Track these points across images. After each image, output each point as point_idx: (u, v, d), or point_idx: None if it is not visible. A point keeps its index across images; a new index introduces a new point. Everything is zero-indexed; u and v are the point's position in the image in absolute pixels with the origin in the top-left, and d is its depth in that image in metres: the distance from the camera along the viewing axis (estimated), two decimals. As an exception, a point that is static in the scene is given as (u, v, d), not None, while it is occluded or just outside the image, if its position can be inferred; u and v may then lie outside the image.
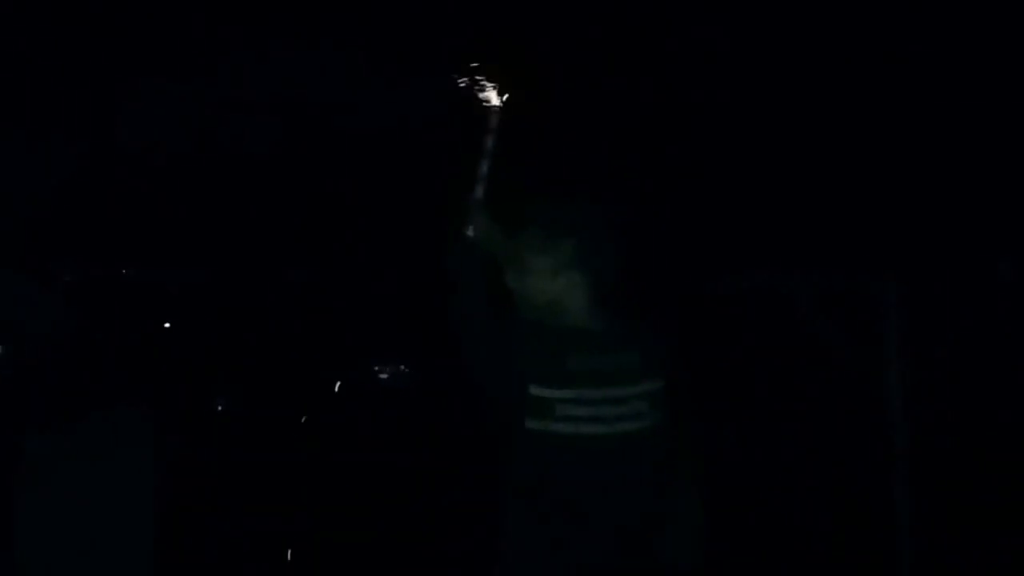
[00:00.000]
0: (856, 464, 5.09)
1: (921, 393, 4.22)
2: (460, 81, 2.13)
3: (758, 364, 6.35)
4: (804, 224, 5.33)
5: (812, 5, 5.16)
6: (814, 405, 6.15)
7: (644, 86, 5.42)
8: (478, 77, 2.14)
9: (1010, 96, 4.93)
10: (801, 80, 5.42)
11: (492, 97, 2.16)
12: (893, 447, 4.26)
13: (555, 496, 1.88)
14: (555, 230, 1.98)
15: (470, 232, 2.07)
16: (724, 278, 4.95)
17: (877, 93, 5.20)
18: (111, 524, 3.60)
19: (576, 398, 1.88)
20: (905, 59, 5.16)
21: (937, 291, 4.18)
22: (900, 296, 4.14)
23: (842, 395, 5.00)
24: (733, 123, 5.44)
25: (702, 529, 2.06)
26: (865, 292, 4.22)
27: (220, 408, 9.61)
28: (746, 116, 5.39)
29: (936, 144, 5.06)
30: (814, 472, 5.98)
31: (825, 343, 4.42)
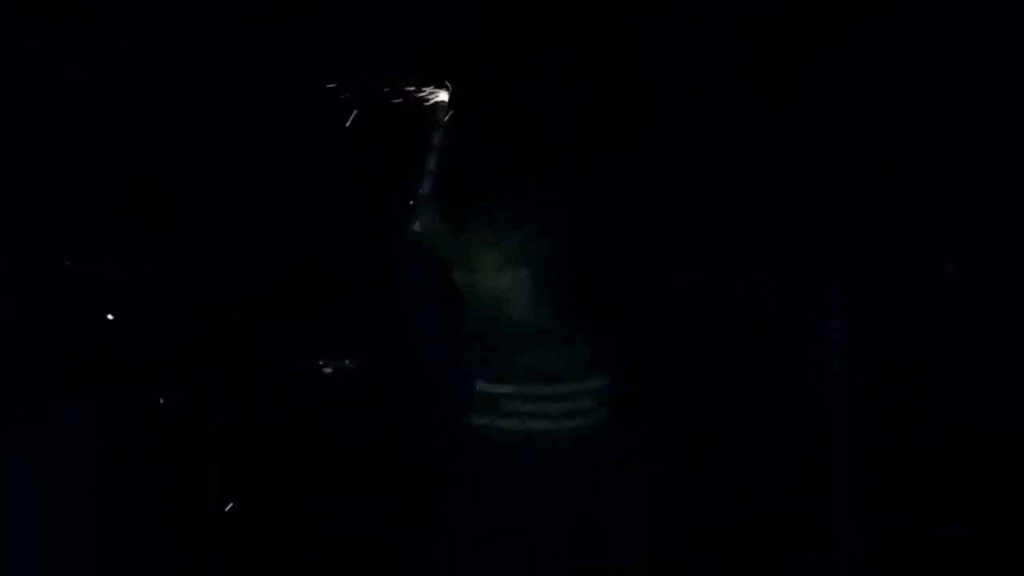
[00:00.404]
0: (799, 457, 5.16)
1: (863, 388, 4.29)
2: (408, 78, 2.11)
3: (704, 361, 6.41)
4: (751, 224, 5.39)
5: (747, 10, 5.22)
6: (759, 400, 6.23)
7: (594, 86, 5.44)
8: (426, 74, 2.12)
9: (952, 99, 5.03)
10: (746, 84, 5.47)
11: (440, 94, 2.14)
12: (835, 440, 4.32)
13: (500, 491, 1.86)
14: (502, 226, 1.96)
15: (417, 228, 2.05)
16: (671, 277, 4.98)
17: (823, 98, 5.28)
18: (48, 520, 3.52)
19: (522, 394, 1.87)
20: (851, 61, 5.24)
21: (881, 289, 4.24)
22: (844, 294, 4.20)
23: (787, 391, 5.06)
24: (684, 126, 5.48)
25: (644, 526, 2.06)
26: (811, 290, 4.27)
27: (162, 402, 9.43)
28: (697, 119, 5.43)
29: (879, 146, 5.14)
30: (758, 466, 6.06)
31: (771, 340, 4.46)
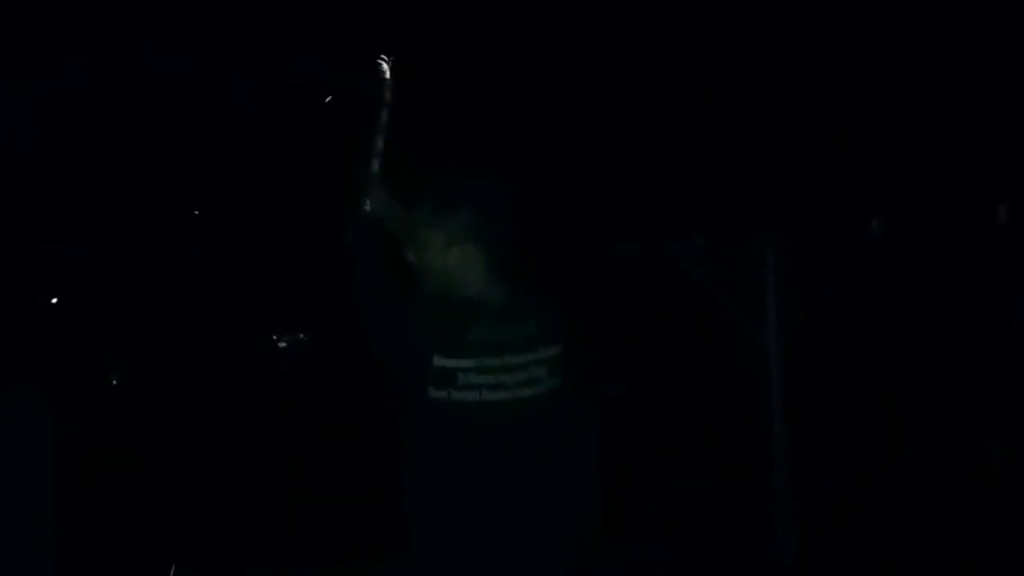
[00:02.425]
0: (738, 409, 5.28)
1: (797, 341, 4.40)
2: (356, 59, 2.08)
3: (649, 324, 6.50)
4: (689, 194, 5.45)
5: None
6: (700, 357, 6.34)
7: (538, 69, 5.42)
8: (374, 55, 2.10)
9: (871, 74, 5.12)
10: (682, 57, 5.50)
11: (387, 73, 2.12)
12: (771, 392, 4.43)
13: (458, 461, 1.88)
14: (448, 205, 1.96)
15: (367, 206, 2.04)
16: (615, 245, 5.02)
17: (757, 65, 5.33)
18: (9, 503, 3.46)
19: (477, 367, 1.88)
20: (781, 33, 5.29)
21: (813, 247, 4.34)
22: (778, 254, 4.29)
23: (726, 346, 5.16)
24: (624, 105, 5.51)
25: (597, 488, 2.09)
26: (747, 250, 4.35)
27: (115, 383, 9.23)
28: (636, 98, 5.46)
29: (807, 112, 5.22)
30: (701, 420, 6.19)
31: (711, 298, 4.54)
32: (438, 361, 1.87)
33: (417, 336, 1.88)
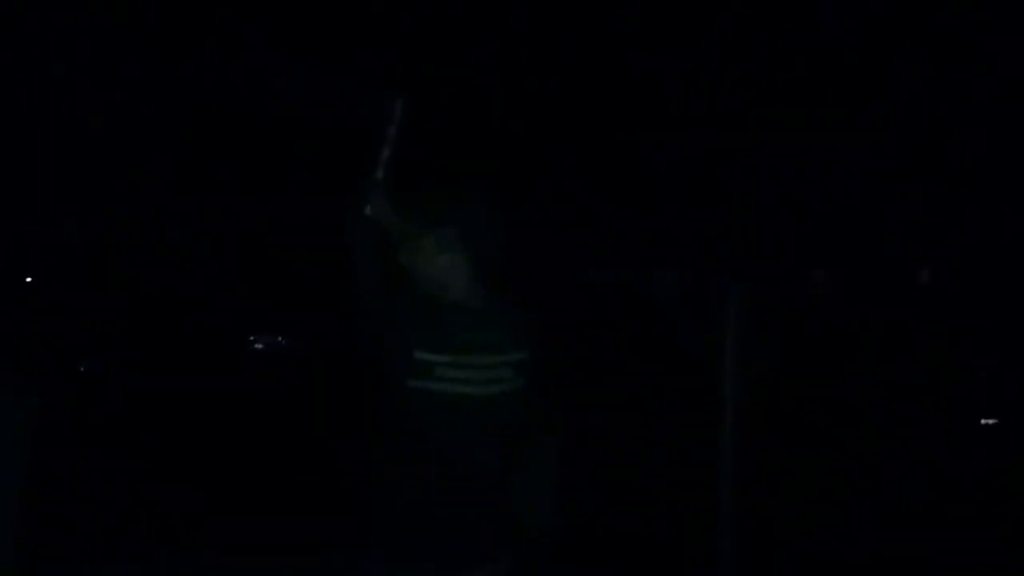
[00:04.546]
0: (691, 434, 5.44)
1: (751, 373, 4.57)
2: (366, 80, 2.24)
3: (615, 345, 6.69)
4: (665, 231, 5.67)
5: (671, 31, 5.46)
6: (660, 381, 6.53)
7: (530, 103, 5.63)
8: (383, 73, 2.27)
9: (837, 127, 5.37)
10: (663, 95, 5.72)
11: (394, 92, 2.29)
12: (724, 421, 4.57)
13: (430, 444, 2.05)
14: (441, 218, 2.15)
15: (369, 212, 2.21)
16: (593, 270, 5.22)
17: (724, 118, 5.57)
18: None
19: (453, 362, 2.05)
20: (746, 82, 5.54)
21: (767, 292, 4.55)
22: (738, 294, 4.50)
23: (685, 374, 5.34)
24: (607, 143, 5.73)
25: (554, 482, 2.27)
26: (711, 290, 4.54)
27: (84, 370, 9.16)
28: (617, 139, 5.69)
29: (765, 173, 5.48)
30: (655, 438, 6.36)
31: (675, 330, 4.71)
32: (418, 354, 2.04)
33: (402, 330, 2.06)
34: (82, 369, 9.07)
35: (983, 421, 6.91)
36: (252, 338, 11.55)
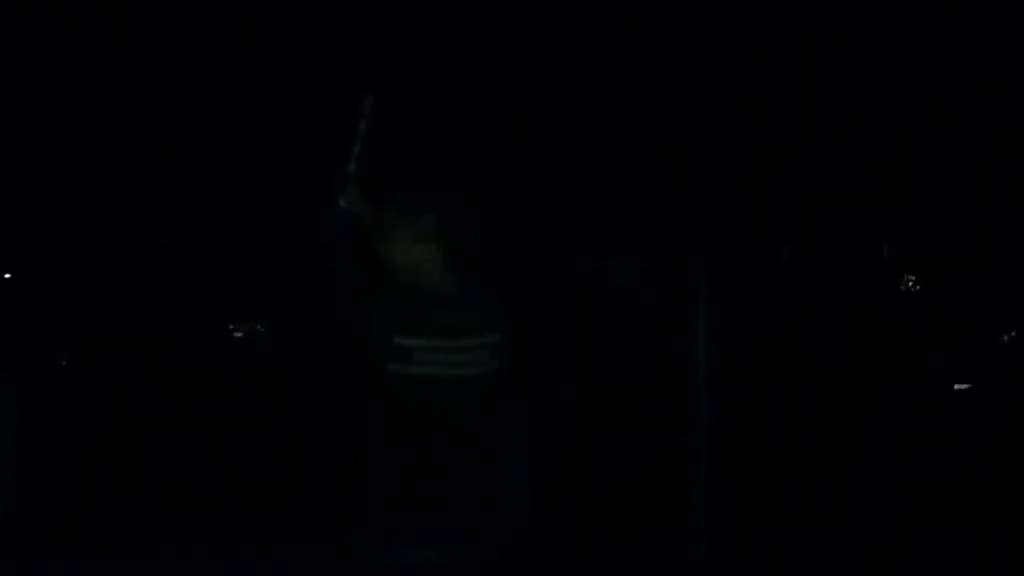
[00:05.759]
0: (664, 418, 5.53)
1: (721, 356, 4.66)
2: (336, 74, 2.28)
3: (588, 328, 6.76)
4: (634, 218, 5.76)
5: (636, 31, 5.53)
6: (632, 367, 6.61)
7: (505, 95, 5.68)
8: (359, 76, 2.31)
9: (802, 114, 5.48)
10: (642, 86, 5.80)
11: (366, 86, 2.33)
12: (696, 405, 4.65)
13: (408, 426, 2.11)
14: (416, 207, 2.20)
15: (343, 203, 2.25)
16: (565, 258, 5.27)
17: (693, 107, 5.66)
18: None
19: (431, 346, 2.11)
20: (716, 72, 5.63)
21: (736, 275, 4.63)
22: (708, 277, 4.58)
23: (657, 361, 5.42)
24: (582, 136, 5.80)
25: (532, 464, 2.33)
26: (681, 274, 4.62)
27: (63, 363, 9.12)
28: (591, 132, 5.76)
29: (734, 158, 5.58)
30: (628, 421, 6.45)
31: (646, 316, 4.78)
32: (397, 340, 2.09)
33: (381, 317, 2.11)
34: (63, 363, 9.04)
35: (956, 386, 7.06)
36: (231, 326, 11.52)
